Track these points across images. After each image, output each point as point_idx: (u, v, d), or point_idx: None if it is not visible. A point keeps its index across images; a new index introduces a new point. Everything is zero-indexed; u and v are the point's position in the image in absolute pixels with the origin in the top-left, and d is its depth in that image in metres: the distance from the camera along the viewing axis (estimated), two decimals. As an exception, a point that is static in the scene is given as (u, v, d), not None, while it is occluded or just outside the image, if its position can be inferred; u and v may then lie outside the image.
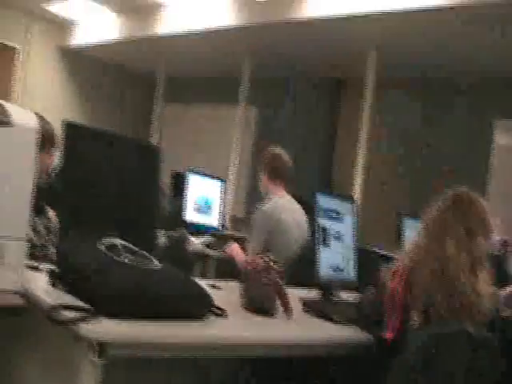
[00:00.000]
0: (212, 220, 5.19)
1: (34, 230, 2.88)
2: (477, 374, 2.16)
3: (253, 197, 6.34)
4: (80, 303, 1.77)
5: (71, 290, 1.89)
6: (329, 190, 7.37)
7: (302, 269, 3.02)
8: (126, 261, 1.96)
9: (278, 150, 4.28)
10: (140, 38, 8.55)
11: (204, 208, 5.07)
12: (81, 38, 9.57)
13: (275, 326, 2.25)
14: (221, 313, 2.07)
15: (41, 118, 2.11)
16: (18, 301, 1.76)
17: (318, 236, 2.78)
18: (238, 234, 4.99)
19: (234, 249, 4.12)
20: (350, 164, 7.06)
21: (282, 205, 4.01)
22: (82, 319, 1.64)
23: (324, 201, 2.87)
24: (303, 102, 8.59)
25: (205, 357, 1.97)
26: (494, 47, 5.99)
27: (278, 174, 4.16)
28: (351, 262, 2.98)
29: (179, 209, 4.84)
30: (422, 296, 2.20)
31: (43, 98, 9.44)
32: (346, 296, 2.85)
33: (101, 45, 9.18)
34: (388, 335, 2.19)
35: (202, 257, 4.83)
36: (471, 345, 2.13)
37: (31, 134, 1.88)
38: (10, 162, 1.84)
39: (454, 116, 7.12)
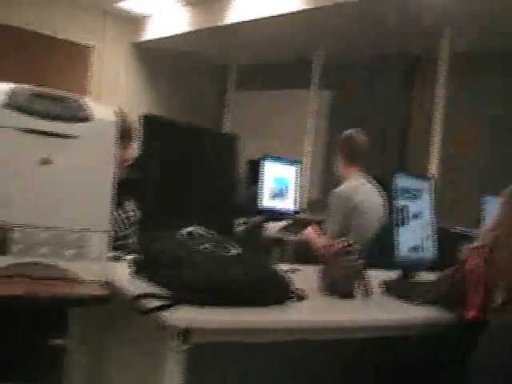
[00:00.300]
0: (288, 205, 5.19)
1: (115, 221, 2.96)
2: None
3: (328, 180, 6.31)
4: (162, 292, 1.81)
5: (153, 279, 1.94)
6: (405, 169, 7.28)
7: (381, 250, 3.00)
8: (206, 249, 2.00)
9: (354, 132, 4.25)
10: (211, 28, 8.59)
11: (280, 193, 5.07)
12: (153, 32, 9.69)
13: (355, 308, 2.25)
14: (300, 297, 2.08)
15: (119, 112, 2.16)
16: (102, 291, 1.82)
17: (396, 216, 2.76)
18: (314, 218, 4.98)
19: (311, 232, 4.12)
20: (427, 143, 6.95)
21: (358, 187, 3.99)
22: (165, 307, 1.68)
23: (402, 180, 2.84)
24: (377, 82, 8.48)
25: (286, 340, 1.98)
26: None
27: (353, 156, 4.14)
28: (430, 241, 2.95)
29: (255, 195, 4.86)
30: (504, 274, 2.17)
31: (119, 93, 9.63)
32: (426, 276, 2.82)
33: (173, 38, 9.27)
34: (471, 314, 2.16)
35: (279, 242, 4.85)
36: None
37: (111, 128, 1.93)
38: (91, 156, 1.90)
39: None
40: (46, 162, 1.82)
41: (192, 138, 2.52)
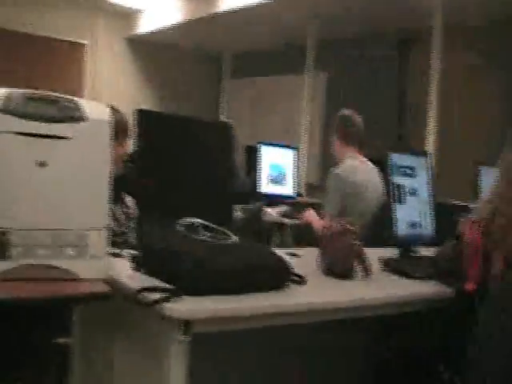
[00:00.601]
0: (287, 189, 5.23)
1: (114, 218, 2.99)
2: None
3: (326, 163, 6.33)
4: (163, 284, 1.84)
5: (154, 272, 1.97)
6: (404, 146, 7.29)
7: (380, 228, 3.03)
8: (205, 238, 2.03)
9: (349, 112, 4.27)
10: (202, 18, 8.58)
11: (278, 178, 5.11)
12: (145, 25, 9.69)
13: (355, 287, 2.27)
14: (300, 280, 2.11)
15: (113, 109, 2.18)
16: (104, 288, 1.84)
17: (393, 194, 2.78)
18: (313, 201, 5.01)
19: (310, 215, 4.14)
20: (424, 120, 6.95)
21: (356, 167, 4.02)
22: (166, 299, 1.71)
23: (397, 158, 2.86)
24: (372, 61, 8.46)
25: (288, 324, 2.01)
26: None
27: (350, 136, 4.16)
28: (428, 217, 2.97)
29: (254, 181, 4.89)
30: (502, 242, 2.19)
31: (114, 89, 9.65)
32: (426, 251, 2.84)
33: (166, 30, 9.28)
34: (469, 286, 2.18)
35: (279, 226, 4.88)
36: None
37: (105, 127, 1.95)
38: (87, 156, 1.92)
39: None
40: (42, 164, 1.85)
41: (186, 130, 2.54)
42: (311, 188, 7.48)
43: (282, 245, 4.60)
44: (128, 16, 9.79)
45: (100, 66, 9.81)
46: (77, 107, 1.93)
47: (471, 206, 2.81)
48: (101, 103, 2.09)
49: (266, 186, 4.99)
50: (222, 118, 9.86)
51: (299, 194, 5.75)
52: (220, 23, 8.70)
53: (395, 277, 2.50)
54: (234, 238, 2.08)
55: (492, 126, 6.84)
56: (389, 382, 2.66)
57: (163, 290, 1.77)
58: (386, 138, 7.55)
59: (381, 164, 3.83)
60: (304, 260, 2.61)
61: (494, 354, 2.10)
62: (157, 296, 1.73)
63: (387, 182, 2.82)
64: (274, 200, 4.98)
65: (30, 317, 2.02)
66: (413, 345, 2.56)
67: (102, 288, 1.84)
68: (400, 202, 2.79)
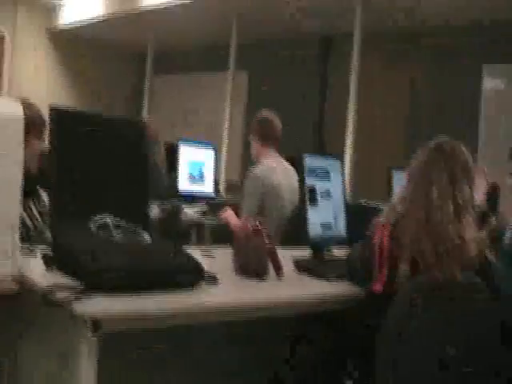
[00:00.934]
0: (206, 188, 5.23)
1: (29, 214, 2.94)
2: (468, 319, 2.22)
3: (247, 162, 6.38)
4: (73, 282, 1.83)
5: (65, 271, 1.96)
6: (321, 149, 7.41)
7: (295, 229, 3.07)
8: (117, 238, 2.03)
9: (268, 114, 4.31)
10: (126, 13, 8.52)
11: (197, 177, 5.11)
12: (67, 18, 9.53)
13: (267, 287, 2.30)
14: (212, 280, 2.13)
15: (28, 104, 2.15)
16: (13, 286, 1.82)
17: (306, 196, 2.83)
18: (232, 200, 5.04)
19: (229, 214, 4.17)
20: (342, 122, 7.08)
21: (274, 168, 4.06)
22: (76, 298, 1.70)
23: (311, 161, 2.91)
24: (293, 61, 8.57)
25: (198, 324, 2.03)
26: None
27: (268, 137, 4.20)
28: (341, 219, 3.03)
29: (173, 180, 4.88)
30: (409, 246, 2.25)
31: (34, 83, 9.46)
32: (339, 253, 2.90)
33: (88, 25, 9.16)
34: (376, 287, 2.25)
35: (198, 225, 4.89)
36: (460, 291, 2.19)
37: (16, 124, 1.92)
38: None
39: (444, 62, 7.10)
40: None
41: (100, 127, 2.53)
42: (232, 187, 7.52)
43: (200, 244, 4.60)
44: (49, 8, 9.61)
45: (20, 59, 9.60)
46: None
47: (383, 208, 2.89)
48: (12, 99, 2.05)
49: (185, 185, 4.98)
50: (145, 115, 9.79)
51: (218, 194, 5.76)
52: (143, 19, 8.65)
53: (307, 277, 2.55)
54: (147, 238, 2.08)
55: (406, 128, 7.03)
56: (299, 380, 2.71)
57: (72, 289, 1.76)
58: (306, 139, 7.67)
59: (298, 165, 3.90)
60: (219, 260, 2.63)
61: (401, 355, 2.17)
62: (66, 294, 1.71)
63: (301, 183, 2.87)
64: (192, 198, 4.98)
65: None
66: (323, 345, 2.62)
67: (9, 285, 1.81)
68: (313, 203, 2.85)
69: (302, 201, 2.83)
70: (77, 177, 2.40)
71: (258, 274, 2.35)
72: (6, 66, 9.45)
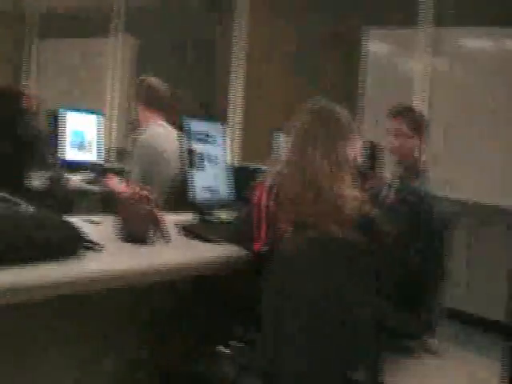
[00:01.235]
0: (92, 156, 5.16)
1: None
2: (346, 273, 2.30)
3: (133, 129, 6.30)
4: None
5: None
6: (211, 114, 7.41)
7: (181, 194, 3.09)
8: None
9: (153, 79, 4.25)
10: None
11: (83, 144, 5.03)
12: None
13: (153, 253, 2.32)
14: (95, 247, 2.12)
15: None
16: None
17: (190, 160, 2.84)
18: (121, 167, 4.98)
19: (112, 181, 4.12)
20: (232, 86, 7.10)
21: (160, 134, 4.02)
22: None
23: (194, 125, 2.92)
24: (179, 28, 8.47)
25: (83, 293, 2.02)
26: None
27: (154, 103, 4.15)
28: (226, 182, 3.07)
29: (57, 148, 4.78)
30: (288, 205, 2.30)
31: None
32: (224, 216, 2.94)
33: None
34: (256, 247, 2.30)
35: (84, 193, 4.82)
36: (339, 247, 2.27)
37: None
38: None
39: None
40: None
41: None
42: (119, 154, 7.42)
43: (87, 212, 4.54)
44: None
45: None
46: None
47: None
48: None
49: (69, 152, 4.89)
50: (27, 81, 9.46)
51: (106, 161, 5.69)
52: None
53: (193, 241, 2.58)
54: (26, 208, 2.05)
55: (293, 91, 7.10)
56: (187, 342, 2.74)
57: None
58: (194, 103, 7.63)
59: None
60: (104, 227, 2.61)
61: (284, 310, 2.23)
62: None
63: (185, 148, 2.87)
64: (78, 166, 4.90)
65: None
66: (213, 307, 2.65)
67: None
68: (197, 168, 2.86)
69: (186, 165, 2.84)
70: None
71: (142, 240, 2.36)
72: None
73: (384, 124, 3.39)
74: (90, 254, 2.07)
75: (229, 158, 3.19)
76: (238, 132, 6.78)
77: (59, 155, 4.75)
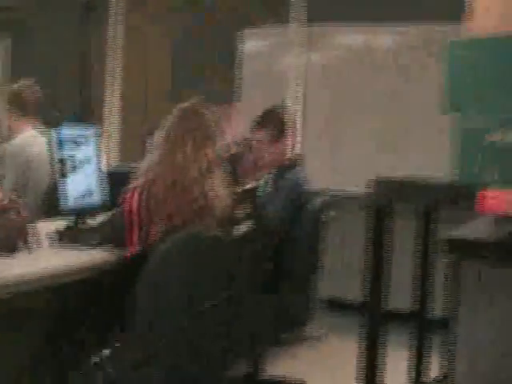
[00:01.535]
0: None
1: None
2: (216, 268, 2.35)
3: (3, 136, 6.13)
4: None
5: None
6: (87, 114, 7.28)
7: (53, 201, 3.04)
8: None
9: (23, 84, 4.14)
10: None
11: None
12: None
13: (21, 262, 2.27)
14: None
15: None
16: None
17: (61, 166, 2.80)
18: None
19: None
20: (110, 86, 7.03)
21: (31, 140, 3.91)
22: None
23: (66, 130, 2.87)
24: (52, 25, 8.26)
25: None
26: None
27: (23, 108, 4.04)
28: (100, 186, 3.04)
29: None
30: (158, 209, 2.32)
31: None
32: (98, 220, 2.92)
33: None
34: (130, 251, 2.31)
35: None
36: (208, 243, 2.30)
37: None
38: None
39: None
40: None
41: None
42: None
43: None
44: None
45: None
46: None
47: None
48: None
49: None
50: None
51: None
52: None
53: (65, 247, 2.55)
54: None
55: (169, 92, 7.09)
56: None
57: None
58: (69, 107, 7.49)
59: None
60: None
61: (158, 311, 2.26)
62: None
63: (55, 154, 2.83)
64: None
65: None
66: (86, 313, 2.62)
67: None
68: (70, 173, 2.82)
69: (58, 172, 2.80)
70: None
71: (10, 249, 2.31)
72: None
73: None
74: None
75: (104, 162, 3.15)
76: (114, 135, 6.76)
77: None
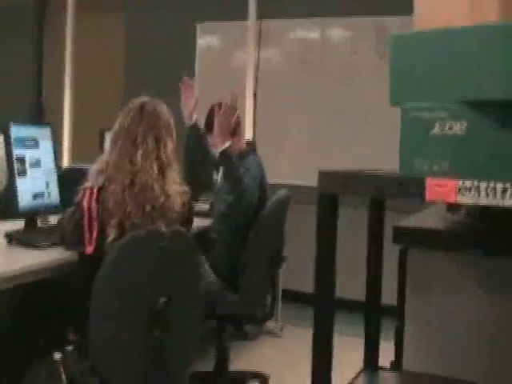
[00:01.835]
0: None
1: None
2: (171, 264, 2.36)
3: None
4: None
5: None
6: (41, 117, 7.21)
7: (7, 202, 3.01)
8: None
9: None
10: None
11: None
12: None
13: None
14: None
15: None
16: None
17: (14, 166, 2.77)
18: None
19: None
20: (61, 86, 6.97)
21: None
22: None
23: (18, 130, 2.85)
24: (7, 29, 8.15)
25: None
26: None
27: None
28: (53, 187, 3.02)
29: None
30: (115, 209, 2.32)
31: None
32: (53, 220, 2.90)
33: None
34: (88, 250, 2.30)
35: None
36: (163, 240, 2.31)
37: None
38: None
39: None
40: None
41: None
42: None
43: None
44: None
45: None
46: None
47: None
48: None
49: None
50: None
51: None
52: None
53: (19, 249, 2.54)
54: None
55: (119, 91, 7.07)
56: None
57: None
58: (25, 105, 7.41)
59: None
60: None
61: (115, 309, 2.27)
62: None
63: (8, 155, 2.80)
64: None
65: None
66: (44, 313, 2.62)
67: None
68: (23, 174, 2.81)
69: (11, 172, 2.77)
70: None
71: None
72: None
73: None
74: None
75: (59, 161, 3.13)
76: (68, 133, 6.73)
77: None
